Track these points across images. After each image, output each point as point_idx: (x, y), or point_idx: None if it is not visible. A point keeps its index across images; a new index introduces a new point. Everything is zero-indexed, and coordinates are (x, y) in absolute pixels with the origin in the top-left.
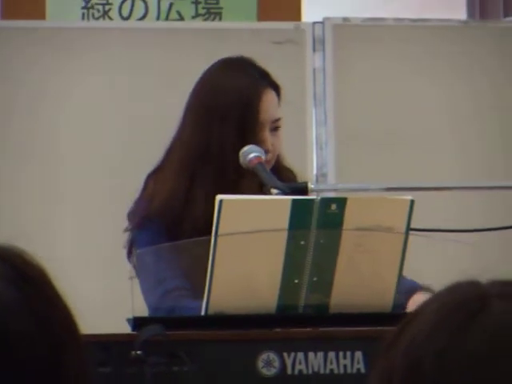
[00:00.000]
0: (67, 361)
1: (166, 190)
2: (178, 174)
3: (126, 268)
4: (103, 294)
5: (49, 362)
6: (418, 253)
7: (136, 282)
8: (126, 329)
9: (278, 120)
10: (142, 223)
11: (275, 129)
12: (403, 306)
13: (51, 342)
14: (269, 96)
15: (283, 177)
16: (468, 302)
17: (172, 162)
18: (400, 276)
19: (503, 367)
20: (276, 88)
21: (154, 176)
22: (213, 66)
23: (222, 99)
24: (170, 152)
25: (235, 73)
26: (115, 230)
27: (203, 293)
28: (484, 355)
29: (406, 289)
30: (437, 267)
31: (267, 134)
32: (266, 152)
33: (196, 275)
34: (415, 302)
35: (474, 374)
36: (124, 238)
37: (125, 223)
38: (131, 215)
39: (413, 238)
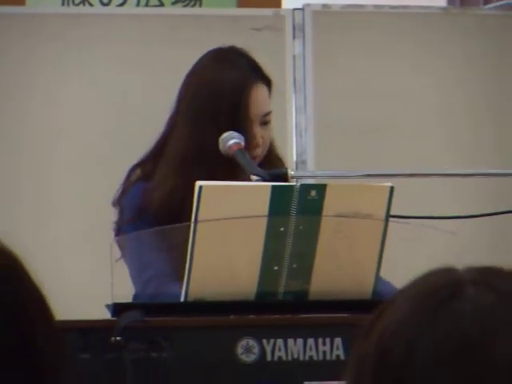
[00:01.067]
0: (43, 349)
1: (165, 187)
2: (176, 173)
3: (108, 255)
4: (84, 279)
5: (24, 352)
6: (399, 240)
7: (116, 267)
8: (106, 315)
9: (267, 114)
10: (137, 215)
11: (265, 123)
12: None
13: (25, 332)
14: (259, 90)
15: (273, 166)
16: (440, 289)
17: (169, 158)
18: (380, 263)
19: (473, 358)
20: (267, 82)
21: (142, 166)
22: (204, 58)
23: (213, 97)
24: (163, 146)
25: (226, 67)
26: (97, 221)
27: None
28: (453, 345)
29: (385, 293)
30: (417, 255)
31: (257, 129)
32: (256, 146)
33: (178, 261)
34: None
35: (440, 365)
36: (105, 225)
37: (107, 213)
38: (117, 203)
39: (393, 225)
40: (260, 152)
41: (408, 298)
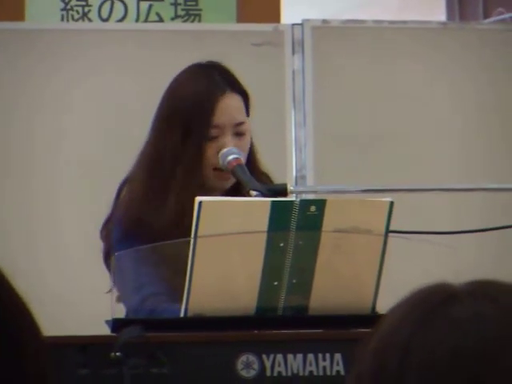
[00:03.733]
0: (27, 363)
1: (130, 197)
2: (143, 186)
3: (105, 269)
4: (81, 295)
5: (8, 365)
6: (398, 256)
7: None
8: (105, 331)
9: (240, 124)
10: (124, 235)
11: (239, 133)
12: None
13: (12, 347)
14: (229, 100)
15: (259, 181)
16: (433, 296)
17: (139, 172)
18: (379, 278)
19: (465, 363)
20: (242, 93)
21: (125, 185)
22: (180, 72)
23: (177, 107)
24: (139, 160)
25: (196, 79)
26: (92, 232)
27: (181, 295)
28: (445, 351)
29: None
30: (417, 270)
31: (228, 138)
32: None
33: (175, 277)
34: None
35: (435, 371)
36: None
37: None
38: (105, 225)
39: (393, 240)
40: None
41: (401, 307)
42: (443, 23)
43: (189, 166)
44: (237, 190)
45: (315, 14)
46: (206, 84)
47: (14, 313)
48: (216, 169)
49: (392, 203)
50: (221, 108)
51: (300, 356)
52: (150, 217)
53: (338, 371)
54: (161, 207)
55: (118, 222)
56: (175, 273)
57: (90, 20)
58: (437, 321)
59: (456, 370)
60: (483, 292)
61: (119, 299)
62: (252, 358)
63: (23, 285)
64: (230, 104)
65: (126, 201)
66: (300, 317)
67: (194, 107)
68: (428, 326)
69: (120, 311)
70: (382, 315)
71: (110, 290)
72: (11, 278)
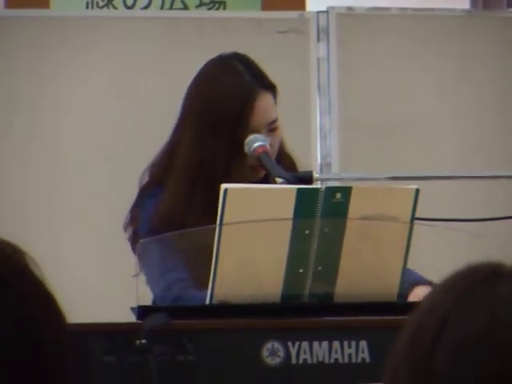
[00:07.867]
0: (50, 349)
1: (168, 201)
2: (179, 186)
3: (131, 257)
4: (107, 283)
5: (32, 354)
6: (423, 243)
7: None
8: (131, 318)
9: (274, 121)
10: (152, 228)
11: (272, 130)
12: (404, 297)
13: (32, 333)
14: (263, 100)
15: (283, 163)
16: (474, 274)
17: (175, 172)
18: (405, 265)
19: (500, 337)
20: (271, 88)
21: (152, 174)
22: (205, 67)
23: (213, 109)
24: (171, 154)
25: (227, 77)
26: (118, 219)
27: (207, 283)
28: (481, 323)
29: (409, 281)
30: (442, 257)
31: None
32: None
33: (200, 265)
34: (416, 294)
35: (469, 342)
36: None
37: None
38: (130, 215)
39: (418, 227)
40: None
41: (442, 285)
42: (467, 11)
43: (229, 168)
44: (265, 178)
45: (340, 1)
46: (239, 84)
47: (32, 297)
48: (253, 166)
49: (418, 190)
50: (257, 110)
51: (325, 343)
52: (192, 222)
53: (363, 358)
54: (205, 211)
55: (150, 220)
56: (200, 260)
57: (114, 7)
58: (476, 294)
59: (490, 341)
60: None
61: (147, 284)
62: (277, 345)
63: (46, 272)
64: (264, 104)
65: (161, 203)
66: (325, 304)
67: (232, 115)
68: (466, 299)
69: (145, 298)
70: (408, 303)
71: (137, 274)
72: (34, 264)
